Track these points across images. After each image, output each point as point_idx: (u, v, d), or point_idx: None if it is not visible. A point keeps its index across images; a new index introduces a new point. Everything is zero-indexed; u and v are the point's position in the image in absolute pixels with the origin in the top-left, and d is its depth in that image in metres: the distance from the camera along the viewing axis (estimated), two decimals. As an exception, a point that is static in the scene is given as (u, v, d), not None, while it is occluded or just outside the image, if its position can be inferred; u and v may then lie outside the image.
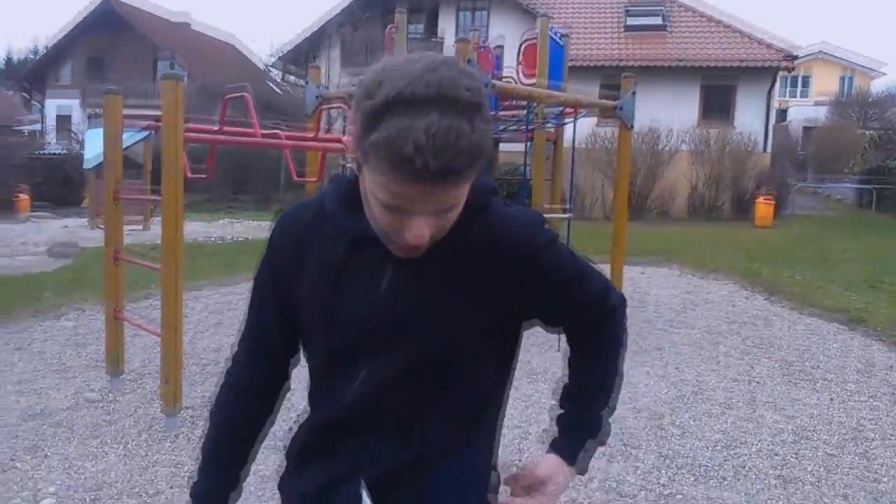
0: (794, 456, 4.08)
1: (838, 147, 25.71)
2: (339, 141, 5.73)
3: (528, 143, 7.33)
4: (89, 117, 26.76)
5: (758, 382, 5.38)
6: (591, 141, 17.76)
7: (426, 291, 1.09)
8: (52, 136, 30.16)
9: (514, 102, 6.99)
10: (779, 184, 19.07)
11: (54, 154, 23.85)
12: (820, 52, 37.38)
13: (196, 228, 13.46)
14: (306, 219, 1.20)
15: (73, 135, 28.24)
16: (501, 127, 7.30)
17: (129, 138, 7.33)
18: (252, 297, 1.29)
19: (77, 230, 13.79)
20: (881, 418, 4.71)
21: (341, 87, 12.96)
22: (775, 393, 5.14)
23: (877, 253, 12.10)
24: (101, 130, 5.63)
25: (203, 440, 1.35)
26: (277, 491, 1.31)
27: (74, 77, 32.95)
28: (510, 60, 8.55)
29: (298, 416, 1.29)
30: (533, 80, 6.71)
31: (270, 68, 32.01)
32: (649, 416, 4.57)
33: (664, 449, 4.12)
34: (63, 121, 31.04)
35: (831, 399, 5.06)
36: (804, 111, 33.18)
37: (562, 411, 1.25)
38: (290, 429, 1.29)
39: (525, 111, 6.93)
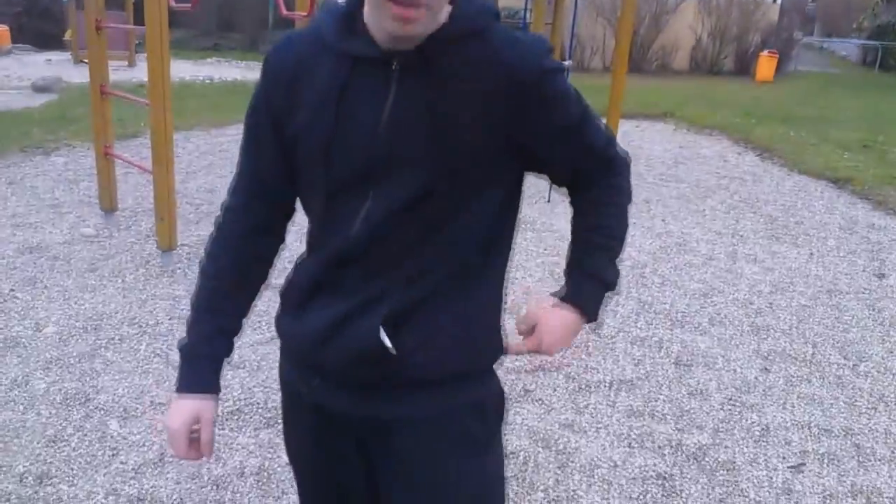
0: (768, 306, 4.26)
1: (849, 1, 24.74)
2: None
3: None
4: (65, -57, 25.13)
5: (741, 237, 5.50)
6: (596, -17, 16.99)
7: (429, 112, 1.06)
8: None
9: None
10: (784, 39, 18.47)
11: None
12: None
13: (183, 68, 13.03)
14: (302, 47, 1.15)
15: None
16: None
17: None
18: (245, 135, 1.23)
19: (60, 64, 13.33)
20: (857, 273, 4.87)
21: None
22: (757, 247, 5.27)
23: (876, 112, 11.98)
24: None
25: (194, 292, 1.27)
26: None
27: None
28: None
29: (293, 255, 1.27)
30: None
31: None
32: (632, 265, 4.70)
33: (644, 296, 4.28)
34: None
35: (811, 254, 5.20)
36: (820, -40, 31.52)
37: (574, 261, 1.24)
38: (284, 268, 1.28)
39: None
